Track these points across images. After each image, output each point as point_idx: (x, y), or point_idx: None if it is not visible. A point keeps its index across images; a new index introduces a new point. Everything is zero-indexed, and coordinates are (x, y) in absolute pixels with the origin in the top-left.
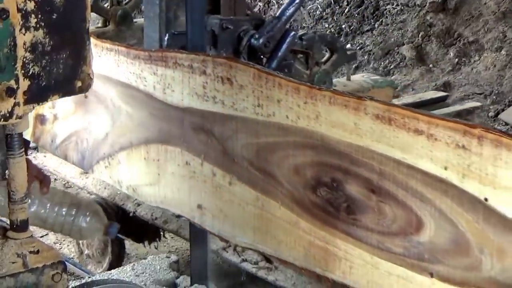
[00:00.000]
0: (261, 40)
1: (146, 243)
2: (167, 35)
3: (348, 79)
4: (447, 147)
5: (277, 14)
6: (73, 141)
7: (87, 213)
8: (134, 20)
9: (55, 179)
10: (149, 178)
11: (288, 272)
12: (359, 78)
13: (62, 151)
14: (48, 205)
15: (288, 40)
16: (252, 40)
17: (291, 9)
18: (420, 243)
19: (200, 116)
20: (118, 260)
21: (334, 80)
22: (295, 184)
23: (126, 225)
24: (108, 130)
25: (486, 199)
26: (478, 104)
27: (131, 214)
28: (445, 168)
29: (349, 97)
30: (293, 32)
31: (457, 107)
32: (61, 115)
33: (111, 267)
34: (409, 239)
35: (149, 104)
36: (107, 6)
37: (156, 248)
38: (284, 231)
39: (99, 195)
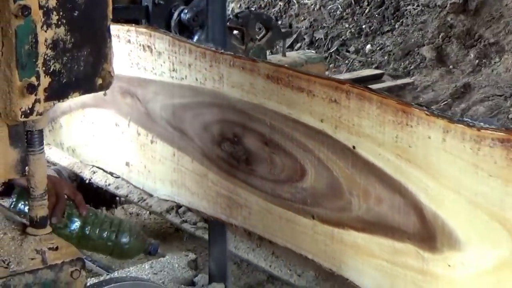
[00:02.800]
0: (189, 15)
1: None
2: None
3: (284, 55)
4: (323, 101)
5: None
6: None
7: (129, 234)
8: None
9: None
10: (85, 140)
11: None
12: (294, 54)
13: None
14: (89, 227)
15: None
16: (182, 15)
17: None
18: (303, 189)
19: (127, 82)
20: None
21: (271, 56)
22: (204, 140)
23: (84, 192)
24: None
25: (353, 147)
26: (410, 80)
27: (87, 181)
28: (322, 121)
29: (245, 59)
30: None
31: (389, 83)
32: None
33: None
34: (295, 186)
35: None
36: None
37: (112, 213)
38: (196, 183)
39: (60, 164)
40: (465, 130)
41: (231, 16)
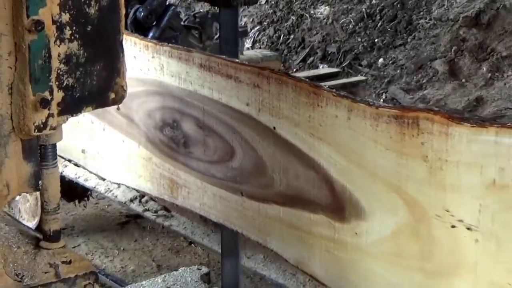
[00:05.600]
0: (143, 13)
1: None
2: None
3: (241, 53)
4: (247, 87)
5: None
6: None
7: None
8: None
9: None
10: None
11: (181, 219)
12: (251, 52)
13: None
14: None
15: (168, 13)
16: (137, 13)
17: None
18: (233, 168)
19: None
20: None
21: None
22: (148, 126)
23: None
24: None
25: (274, 128)
26: (363, 78)
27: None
28: (247, 104)
29: (182, 50)
30: (173, 7)
31: (344, 80)
32: None
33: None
34: (226, 166)
35: None
36: None
37: (85, 207)
38: (142, 167)
39: None
40: (366, 109)
41: (188, 16)
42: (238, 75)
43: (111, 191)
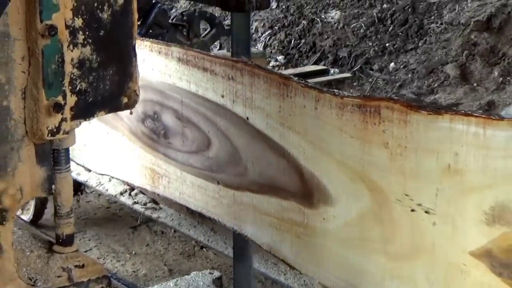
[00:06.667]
0: None
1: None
2: None
3: (228, 50)
4: (222, 79)
5: None
6: None
7: None
8: None
9: None
10: None
11: (169, 211)
12: None
13: None
14: None
15: (155, 10)
16: None
17: None
18: (210, 158)
19: None
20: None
21: (216, 51)
22: (131, 119)
23: None
24: None
25: (247, 118)
26: (348, 75)
27: None
28: (222, 96)
29: (161, 45)
30: (159, 4)
31: (330, 77)
32: None
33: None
34: (203, 155)
35: None
36: None
37: (78, 201)
38: (126, 158)
39: None
40: (332, 99)
41: (177, 14)
42: (214, 68)
43: (102, 184)
